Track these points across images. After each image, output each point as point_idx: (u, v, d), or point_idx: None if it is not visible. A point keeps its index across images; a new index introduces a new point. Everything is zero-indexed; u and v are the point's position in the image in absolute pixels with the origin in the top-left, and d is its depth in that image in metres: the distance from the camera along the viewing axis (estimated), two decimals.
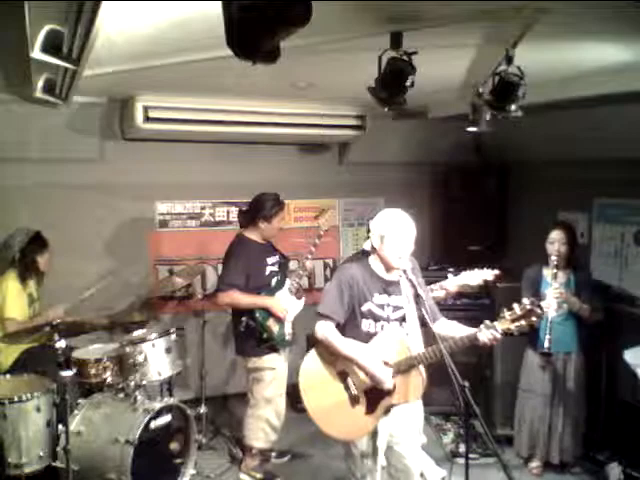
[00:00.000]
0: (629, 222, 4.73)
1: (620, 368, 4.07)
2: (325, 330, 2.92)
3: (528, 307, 2.72)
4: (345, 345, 2.90)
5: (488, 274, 3.64)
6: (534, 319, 2.71)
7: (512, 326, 2.72)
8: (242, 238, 4.12)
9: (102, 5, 1.90)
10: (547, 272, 4.13)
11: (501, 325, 2.73)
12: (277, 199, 4.09)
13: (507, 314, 2.75)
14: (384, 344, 2.92)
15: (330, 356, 2.97)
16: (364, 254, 3.09)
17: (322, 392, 2.97)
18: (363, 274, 2.97)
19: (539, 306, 2.72)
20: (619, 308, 4.60)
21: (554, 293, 3.90)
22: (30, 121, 4.34)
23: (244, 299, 3.97)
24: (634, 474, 3.87)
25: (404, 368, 2.87)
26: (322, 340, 2.94)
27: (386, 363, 2.89)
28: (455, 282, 3.65)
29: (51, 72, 3.09)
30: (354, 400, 2.93)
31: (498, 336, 2.73)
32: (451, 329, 2.96)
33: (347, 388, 2.95)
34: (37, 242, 4.22)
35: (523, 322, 2.72)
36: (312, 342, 3.09)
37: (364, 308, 2.94)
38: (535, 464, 4.21)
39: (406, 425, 3.04)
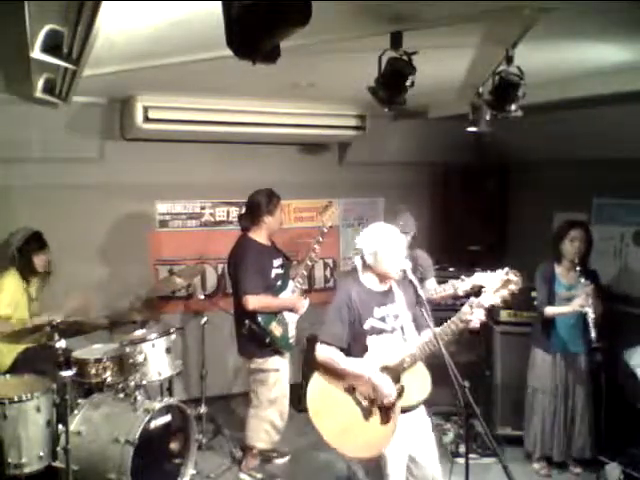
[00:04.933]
0: (629, 222, 4.73)
1: (620, 368, 4.08)
2: (326, 352, 2.94)
3: (504, 277, 2.80)
4: (346, 362, 2.91)
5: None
6: (513, 287, 2.78)
7: (495, 297, 2.79)
8: (249, 240, 4.11)
9: (102, 5, 1.90)
10: (559, 270, 4.13)
11: (485, 299, 2.78)
12: (272, 191, 4.14)
13: (487, 288, 2.83)
14: (381, 350, 2.93)
15: (334, 375, 2.95)
16: (354, 271, 3.12)
17: (334, 414, 2.93)
18: (359, 293, 2.99)
19: (514, 273, 2.81)
20: (619, 308, 4.60)
21: (587, 290, 3.87)
22: (30, 121, 4.34)
23: (273, 302, 4.01)
24: (634, 474, 3.87)
25: (407, 366, 2.88)
26: (325, 363, 2.95)
27: (386, 367, 2.90)
28: (468, 283, 3.70)
29: (51, 72, 3.08)
30: (368, 413, 2.91)
31: (483, 311, 2.77)
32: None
33: (358, 403, 2.92)
34: (34, 242, 4.21)
35: (504, 291, 2.79)
36: (313, 366, 3.05)
37: (366, 326, 2.94)
38: (542, 464, 4.22)
39: (423, 434, 3.03)
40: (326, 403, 2.95)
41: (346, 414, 2.91)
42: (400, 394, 2.87)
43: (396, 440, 2.89)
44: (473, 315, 2.76)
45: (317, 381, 3.00)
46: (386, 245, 2.92)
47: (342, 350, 2.94)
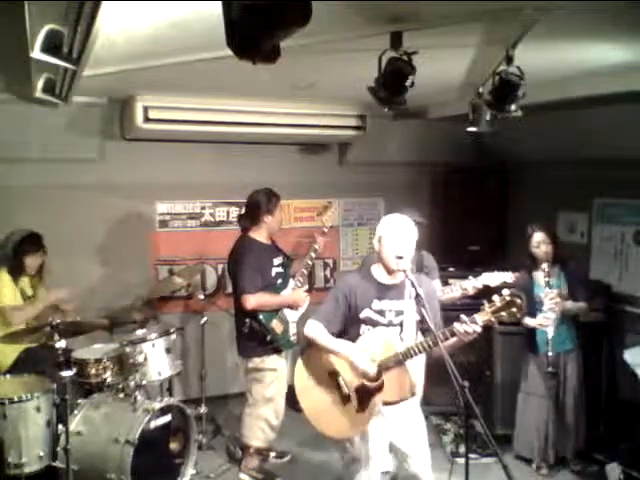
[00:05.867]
0: (629, 222, 4.73)
1: (620, 368, 4.08)
2: (312, 328, 3.00)
3: (508, 298, 2.71)
4: (330, 340, 2.97)
5: (508, 276, 3.70)
6: (514, 310, 2.70)
7: (492, 318, 2.73)
8: (249, 239, 4.10)
9: (102, 5, 1.90)
10: (536, 274, 4.14)
11: (481, 317, 2.73)
12: (271, 191, 4.13)
13: (487, 306, 2.76)
14: (370, 343, 2.95)
15: (321, 357, 3.02)
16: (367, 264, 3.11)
17: (315, 392, 3.05)
18: (362, 282, 3.00)
19: (519, 297, 2.72)
20: (619, 308, 4.61)
21: (549, 304, 3.94)
22: (30, 121, 4.33)
23: (273, 299, 4.01)
24: (634, 474, 3.87)
25: (391, 365, 2.89)
26: (310, 338, 3.02)
27: (372, 360, 2.91)
28: (475, 283, 3.69)
29: (51, 72, 3.09)
30: (345, 399, 2.97)
31: (478, 329, 2.72)
32: None
33: (338, 387, 2.99)
34: (28, 243, 4.18)
35: (504, 313, 2.72)
36: (303, 345, 3.18)
37: (362, 315, 2.96)
38: (541, 465, 4.21)
39: (408, 426, 3.05)
40: (310, 382, 3.08)
41: (326, 395, 3.03)
42: (380, 389, 2.90)
43: (377, 432, 2.96)
44: (462, 330, 2.72)
45: (305, 360, 3.11)
46: (390, 231, 2.92)
47: (334, 334, 2.99)
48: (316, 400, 3.03)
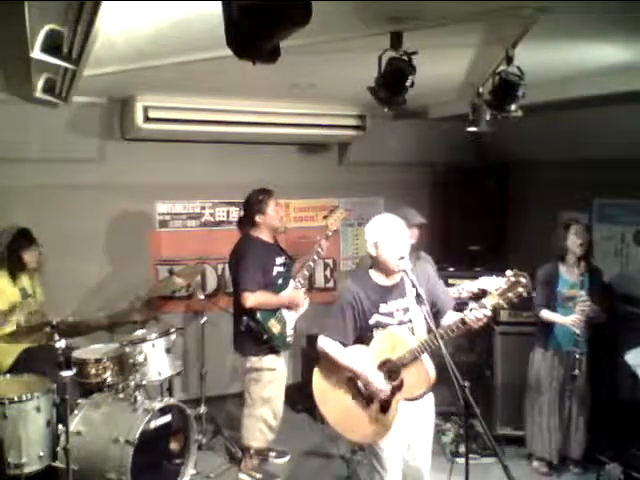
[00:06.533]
0: (629, 222, 4.73)
1: (621, 368, 4.07)
2: (325, 344, 2.98)
3: (513, 279, 2.71)
4: (343, 355, 2.94)
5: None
6: (520, 289, 2.69)
7: (500, 300, 2.73)
8: (252, 238, 4.10)
9: (102, 5, 1.90)
10: (564, 269, 4.12)
11: (489, 301, 2.74)
12: (262, 190, 4.10)
13: (494, 289, 2.76)
14: (383, 343, 2.94)
15: (336, 365, 3.00)
16: (363, 265, 3.10)
17: (337, 399, 3.01)
18: (365, 289, 2.98)
19: (523, 275, 2.71)
20: (619, 308, 4.60)
21: (581, 305, 3.92)
22: (30, 121, 4.34)
23: (272, 298, 4.00)
24: (634, 474, 3.87)
25: (407, 361, 2.87)
26: (322, 353, 3.00)
27: (388, 360, 2.90)
28: (472, 287, 3.69)
29: (51, 72, 3.09)
30: (367, 401, 2.95)
31: (488, 312, 2.72)
32: (453, 318, 2.94)
33: (359, 391, 2.96)
34: (22, 239, 4.16)
35: (510, 294, 2.71)
36: (316, 356, 3.12)
37: (372, 321, 2.96)
38: (542, 463, 4.22)
39: (421, 420, 3.05)
40: (330, 390, 3.03)
41: (348, 401, 2.99)
42: (400, 387, 2.89)
43: (395, 430, 2.94)
44: (474, 317, 2.73)
45: (321, 369, 3.07)
46: (386, 234, 2.91)
47: (346, 345, 2.97)
48: (338, 407, 3.00)
